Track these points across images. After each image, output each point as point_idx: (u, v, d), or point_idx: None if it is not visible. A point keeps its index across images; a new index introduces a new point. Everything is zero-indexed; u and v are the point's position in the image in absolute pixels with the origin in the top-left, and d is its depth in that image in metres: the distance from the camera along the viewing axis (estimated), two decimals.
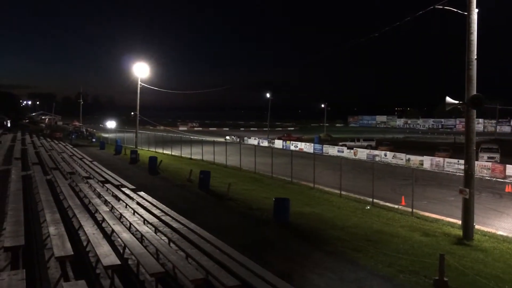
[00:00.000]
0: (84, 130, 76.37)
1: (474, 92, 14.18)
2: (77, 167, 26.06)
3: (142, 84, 48.91)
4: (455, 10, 14.24)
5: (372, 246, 12.73)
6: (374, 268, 10.90)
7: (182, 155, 41.64)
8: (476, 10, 14.09)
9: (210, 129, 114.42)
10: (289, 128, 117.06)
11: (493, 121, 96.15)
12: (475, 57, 14.22)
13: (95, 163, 29.35)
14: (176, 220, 13.62)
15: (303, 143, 56.24)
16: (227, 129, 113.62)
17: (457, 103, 14.84)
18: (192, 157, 39.72)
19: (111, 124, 69.78)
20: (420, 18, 15.51)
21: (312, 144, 53.94)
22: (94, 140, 60.86)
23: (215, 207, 18.39)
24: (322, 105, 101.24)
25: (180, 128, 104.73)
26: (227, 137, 70.89)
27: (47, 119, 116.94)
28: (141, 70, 48.50)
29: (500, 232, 15.44)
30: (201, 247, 10.77)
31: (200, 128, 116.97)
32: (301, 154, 45.33)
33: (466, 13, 14.13)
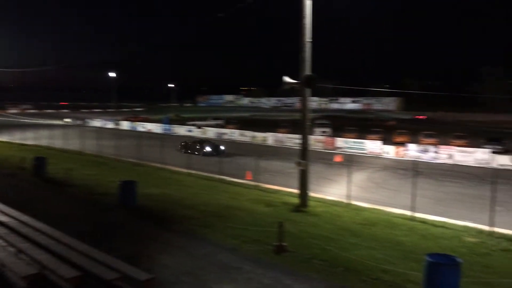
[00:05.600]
0: None
1: (308, 72, 15.47)
2: None
3: None
4: None
5: (221, 221, 13.15)
6: (222, 242, 11.30)
7: (13, 141, 36.96)
8: None
9: (47, 111, 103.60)
10: (136, 109, 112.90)
11: (326, 99, 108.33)
12: (308, 40, 15.44)
13: None
14: (4, 213, 12.02)
15: (151, 124, 54.89)
16: (67, 111, 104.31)
17: (294, 83, 16.01)
18: (26, 142, 35.55)
19: None
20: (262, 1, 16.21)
21: (161, 125, 53.04)
22: None
23: (53, 195, 16.80)
24: (169, 85, 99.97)
25: (11, 111, 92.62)
26: (66, 119, 65.22)
27: None
28: None
29: (329, 197, 17.39)
30: (35, 240, 9.70)
31: (35, 111, 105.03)
32: (150, 135, 44.23)
33: None
